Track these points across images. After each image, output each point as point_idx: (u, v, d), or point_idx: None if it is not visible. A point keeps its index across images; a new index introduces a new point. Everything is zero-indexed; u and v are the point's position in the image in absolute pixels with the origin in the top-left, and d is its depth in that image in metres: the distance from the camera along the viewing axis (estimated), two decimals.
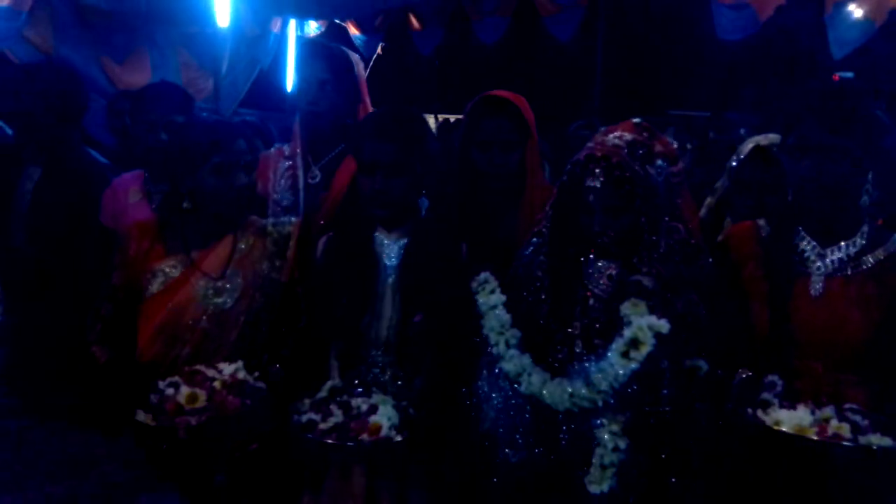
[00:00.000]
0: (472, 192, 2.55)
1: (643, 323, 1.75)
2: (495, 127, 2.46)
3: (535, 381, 1.85)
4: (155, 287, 2.20)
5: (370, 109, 2.84)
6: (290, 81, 8.21)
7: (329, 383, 2.08)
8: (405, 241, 2.19)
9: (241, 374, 2.00)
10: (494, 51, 8.07)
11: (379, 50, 8.14)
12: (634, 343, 1.75)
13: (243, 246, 2.26)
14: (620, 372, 1.75)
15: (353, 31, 8.03)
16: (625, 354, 1.75)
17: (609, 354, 1.78)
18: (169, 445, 1.88)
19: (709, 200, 2.91)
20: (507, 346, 1.90)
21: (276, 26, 7.72)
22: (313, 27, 8.12)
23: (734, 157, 2.72)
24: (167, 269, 2.21)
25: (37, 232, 2.84)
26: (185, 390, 1.93)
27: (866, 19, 5.97)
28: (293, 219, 2.37)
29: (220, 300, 2.20)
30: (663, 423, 1.83)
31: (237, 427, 1.93)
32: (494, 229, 2.49)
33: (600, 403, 1.78)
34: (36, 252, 2.81)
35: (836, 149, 1.81)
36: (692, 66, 9.26)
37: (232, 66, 7.07)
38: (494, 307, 1.94)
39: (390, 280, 2.17)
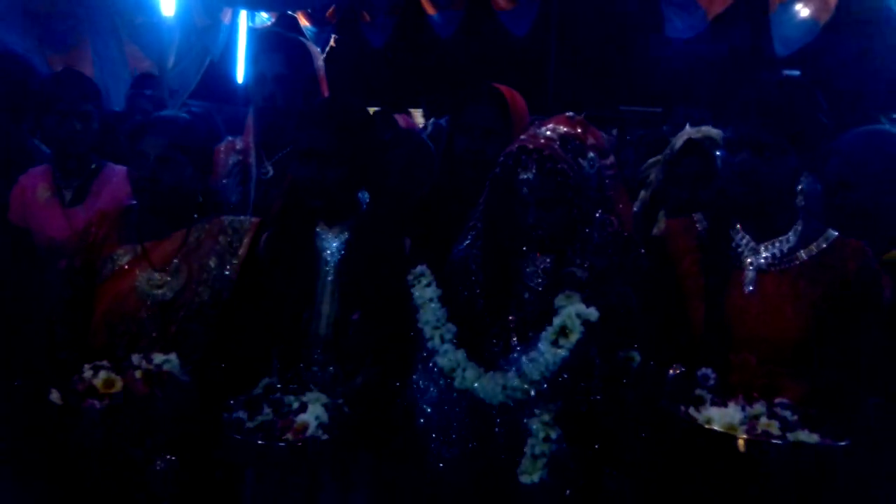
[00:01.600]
0: (449, 178, 2.53)
1: (572, 311, 1.76)
2: (479, 112, 2.46)
3: (468, 376, 1.85)
4: (105, 274, 2.22)
5: None
6: (240, 73, 8.11)
7: (265, 380, 2.04)
8: (346, 235, 2.16)
9: (168, 366, 1.99)
10: (449, 45, 8.08)
11: (332, 42, 8.09)
12: (563, 331, 1.76)
13: (192, 240, 2.25)
14: (550, 360, 1.75)
15: (304, 22, 7.96)
16: (554, 343, 1.75)
17: (539, 344, 1.78)
18: (74, 427, 1.91)
19: (643, 194, 2.94)
20: (442, 340, 1.89)
21: (226, 17, 7.61)
22: (264, 17, 8.03)
23: (667, 151, 2.75)
24: (117, 258, 2.22)
25: None
26: (103, 374, 1.94)
27: (811, 18, 6.10)
28: (252, 218, 2.34)
29: (159, 292, 2.18)
30: (595, 414, 1.84)
31: (143, 415, 1.94)
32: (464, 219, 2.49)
33: (533, 393, 1.78)
34: None
35: (769, 146, 1.82)
36: (644, 63, 9.36)
37: (181, 57, 6.94)
38: (430, 300, 1.93)
39: (330, 276, 2.14)
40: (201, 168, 2.28)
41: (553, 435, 1.80)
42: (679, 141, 2.70)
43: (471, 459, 1.92)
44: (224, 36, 7.53)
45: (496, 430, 1.92)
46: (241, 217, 2.35)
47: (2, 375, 2.58)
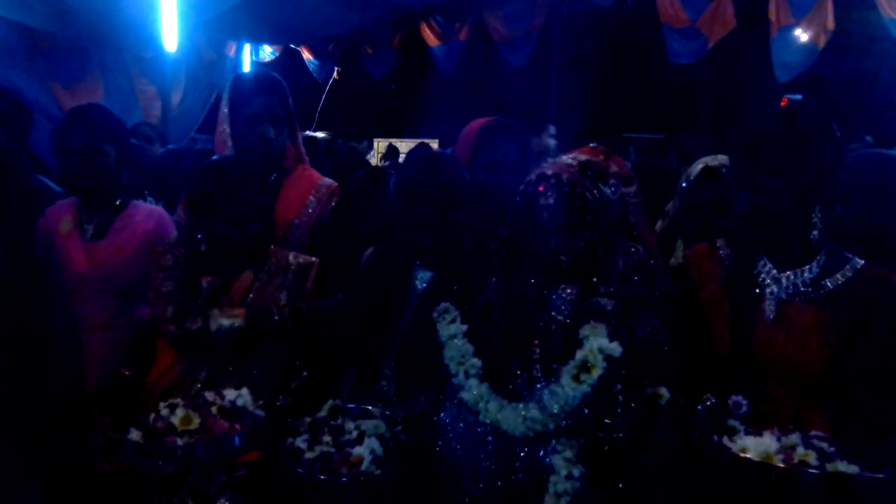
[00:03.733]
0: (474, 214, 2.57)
1: (594, 346, 1.74)
2: (498, 146, 2.52)
3: (491, 409, 1.83)
4: None
5: (298, 134, 2.90)
6: None
7: (329, 402, 2.06)
8: (435, 270, 2.24)
9: (241, 401, 2.00)
10: (451, 75, 8.14)
11: (335, 75, 8.16)
12: (584, 366, 1.74)
13: (264, 276, 2.35)
14: (571, 394, 1.73)
15: (308, 55, 8.04)
16: (575, 377, 1.73)
17: (561, 378, 1.76)
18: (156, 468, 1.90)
19: (660, 224, 2.93)
20: (467, 375, 1.88)
21: (231, 51, 7.70)
22: (268, 52, 8.12)
23: (683, 179, 2.75)
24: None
25: None
26: (180, 412, 1.93)
27: (810, 43, 6.16)
28: (312, 258, 2.46)
29: (235, 326, 2.24)
30: (619, 452, 1.80)
31: (221, 451, 1.92)
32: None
33: (552, 426, 1.75)
34: None
35: (767, 188, 1.82)
36: (646, 90, 9.43)
37: (188, 91, 7.02)
38: (454, 337, 1.93)
39: (415, 302, 2.21)
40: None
41: (576, 472, 1.75)
42: (695, 169, 2.70)
43: (497, 496, 1.88)
44: (229, 70, 7.63)
45: (518, 464, 1.89)
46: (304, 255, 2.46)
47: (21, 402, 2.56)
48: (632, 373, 1.79)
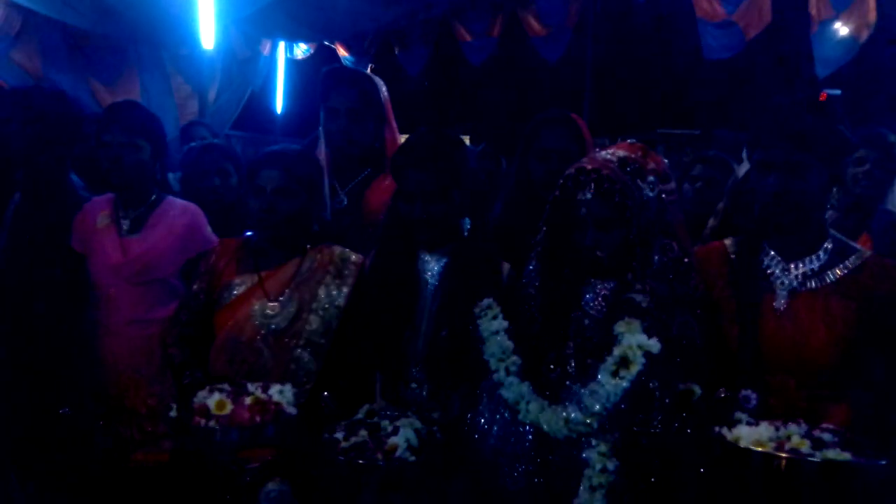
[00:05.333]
0: (527, 204, 2.55)
1: (633, 342, 1.74)
2: (555, 136, 2.53)
3: (532, 409, 1.84)
4: (222, 302, 2.32)
5: (395, 129, 2.87)
6: (279, 104, 8.24)
7: (366, 406, 2.09)
8: (446, 260, 2.22)
9: (278, 397, 2.00)
10: (486, 71, 8.12)
11: (369, 71, 8.18)
12: (624, 362, 1.74)
13: (305, 269, 2.32)
14: (611, 392, 1.73)
15: (342, 52, 8.07)
16: (615, 374, 1.73)
17: (599, 375, 1.76)
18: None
19: (711, 222, 2.90)
20: (507, 373, 1.89)
21: (265, 48, 7.76)
22: (302, 49, 8.16)
23: (732, 178, 2.72)
24: (234, 287, 2.32)
25: (14, 259, 2.77)
26: (217, 396, 1.97)
27: (850, 37, 6.04)
28: (354, 256, 2.40)
29: (274, 321, 2.27)
30: (654, 447, 1.80)
31: (241, 440, 1.95)
32: None
33: (595, 426, 1.75)
34: (13, 279, 2.75)
35: (801, 165, 1.82)
36: (681, 85, 9.33)
37: (223, 90, 7.09)
38: (496, 333, 1.94)
39: (430, 298, 2.19)
40: (314, 197, 2.37)
41: (610, 466, 1.77)
42: (743, 169, 2.67)
43: (534, 491, 1.89)
44: (263, 68, 7.69)
45: (552, 458, 1.89)
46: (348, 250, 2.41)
47: (47, 399, 2.63)
48: (667, 369, 1.79)
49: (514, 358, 1.90)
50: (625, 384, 1.73)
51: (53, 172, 2.83)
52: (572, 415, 1.77)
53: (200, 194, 3.15)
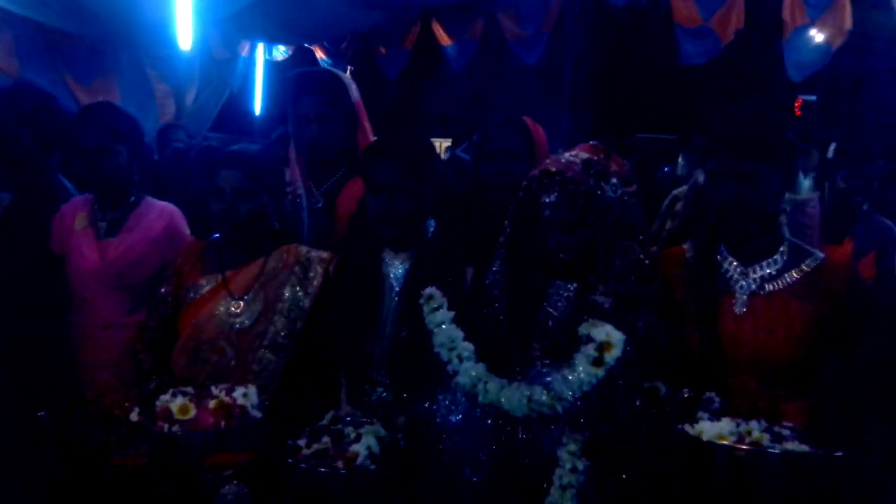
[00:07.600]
0: (477, 206, 2.61)
1: (604, 330, 1.72)
2: (504, 138, 2.59)
3: (491, 389, 1.78)
4: (187, 302, 2.31)
5: (367, 129, 2.84)
6: (257, 106, 8.23)
7: (331, 412, 2.06)
8: (411, 261, 2.21)
9: (242, 401, 1.98)
10: (465, 75, 8.15)
11: (348, 74, 8.18)
12: (606, 346, 1.70)
13: (269, 269, 2.31)
14: (586, 379, 1.69)
15: (321, 54, 8.07)
16: (594, 362, 1.70)
17: (575, 361, 1.72)
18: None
19: (669, 224, 2.94)
20: (460, 359, 1.83)
21: (244, 50, 7.74)
22: (281, 51, 8.15)
23: (691, 184, 2.77)
24: (200, 287, 2.31)
25: (2, 260, 2.72)
26: (179, 400, 1.95)
27: (825, 43, 6.10)
28: (324, 253, 2.39)
29: (237, 320, 2.26)
30: (621, 444, 1.81)
31: (205, 445, 1.93)
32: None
33: (559, 409, 1.71)
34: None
35: (754, 174, 1.89)
36: (659, 90, 9.40)
37: (201, 90, 7.06)
38: (441, 324, 1.88)
39: (394, 300, 2.18)
40: (274, 196, 2.36)
41: (580, 466, 1.77)
42: (701, 174, 2.71)
43: (497, 485, 1.88)
44: (242, 69, 7.67)
45: (518, 448, 1.86)
46: (316, 250, 2.39)
47: (23, 402, 2.60)
48: (633, 367, 1.80)
49: (465, 344, 1.84)
50: (601, 372, 1.69)
51: (45, 174, 2.82)
52: (536, 394, 1.73)
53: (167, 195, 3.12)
